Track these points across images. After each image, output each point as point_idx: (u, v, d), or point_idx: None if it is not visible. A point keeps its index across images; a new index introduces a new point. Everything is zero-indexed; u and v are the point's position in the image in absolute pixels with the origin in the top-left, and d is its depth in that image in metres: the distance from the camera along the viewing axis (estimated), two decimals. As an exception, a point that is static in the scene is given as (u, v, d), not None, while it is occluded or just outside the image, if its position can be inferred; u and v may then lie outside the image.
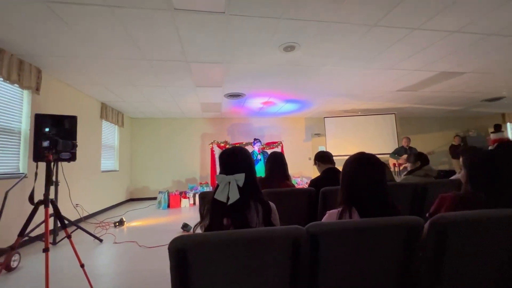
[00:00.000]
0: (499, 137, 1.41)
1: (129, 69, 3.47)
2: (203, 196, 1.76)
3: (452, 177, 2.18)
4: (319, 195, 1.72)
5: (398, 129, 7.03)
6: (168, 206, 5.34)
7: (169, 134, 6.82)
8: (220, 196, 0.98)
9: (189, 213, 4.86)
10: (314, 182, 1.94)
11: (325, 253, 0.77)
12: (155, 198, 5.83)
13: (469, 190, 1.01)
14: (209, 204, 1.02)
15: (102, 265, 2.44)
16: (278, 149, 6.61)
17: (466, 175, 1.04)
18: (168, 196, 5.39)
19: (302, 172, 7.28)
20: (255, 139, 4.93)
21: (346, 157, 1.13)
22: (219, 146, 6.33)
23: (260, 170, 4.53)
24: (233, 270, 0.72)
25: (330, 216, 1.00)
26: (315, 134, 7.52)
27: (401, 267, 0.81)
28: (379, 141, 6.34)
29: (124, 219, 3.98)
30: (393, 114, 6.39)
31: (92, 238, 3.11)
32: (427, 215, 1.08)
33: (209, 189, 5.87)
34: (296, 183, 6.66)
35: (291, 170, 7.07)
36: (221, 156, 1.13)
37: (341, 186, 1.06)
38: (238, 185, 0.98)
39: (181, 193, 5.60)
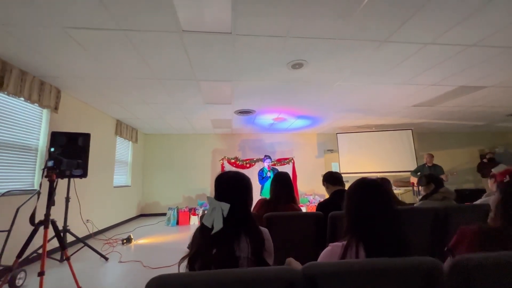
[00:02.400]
0: (503, 170, 1.24)
1: (142, 88, 3.59)
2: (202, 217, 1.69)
3: (479, 201, 1.97)
4: (328, 220, 1.60)
5: (416, 145, 6.71)
6: (177, 223, 5.29)
7: (181, 150, 6.91)
8: (207, 221, 0.92)
9: (197, 231, 4.77)
10: (322, 206, 1.81)
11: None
12: (165, 214, 5.81)
13: (498, 223, 0.87)
14: (197, 230, 0.95)
15: (106, 286, 2.38)
16: (290, 166, 6.47)
17: (499, 202, 0.91)
18: (178, 212, 5.35)
19: (314, 189, 7.04)
20: (265, 156, 4.85)
21: (361, 175, 1.03)
22: (229, 162, 6.30)
23: (269, 188, 4.41)
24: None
25: (333, 249, 0.89)
26: (328, 150, 7.33)
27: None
28: (395, 158, 6.05)
29: (132, 236, 3.95)
30: (410, 130, 6.12)
31: (97, 256, 3.08)
32: (445, 249, 0.94)
33: (218, 206, 5.79)
34: (309, 201, 6.43)
35: (303, 187, 6.92)
36: (216, 179, 1.07)
37: (345, 216, 0.96)
38: (223, 214, 0.92)
39: (190, 209, 5.54)
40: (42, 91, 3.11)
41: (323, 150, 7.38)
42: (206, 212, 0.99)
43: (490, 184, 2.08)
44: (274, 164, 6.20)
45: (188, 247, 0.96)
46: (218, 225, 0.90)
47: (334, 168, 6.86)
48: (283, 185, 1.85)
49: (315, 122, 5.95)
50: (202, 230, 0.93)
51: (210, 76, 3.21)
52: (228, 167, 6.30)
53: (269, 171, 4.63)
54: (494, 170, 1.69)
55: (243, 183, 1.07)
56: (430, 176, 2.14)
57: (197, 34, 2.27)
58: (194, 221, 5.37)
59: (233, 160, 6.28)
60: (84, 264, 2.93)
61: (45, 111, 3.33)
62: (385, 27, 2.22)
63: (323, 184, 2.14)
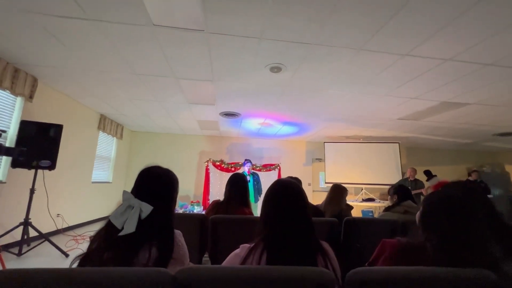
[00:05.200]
0: (436, 183, 1.20)
1: (122, 83, 3.53)
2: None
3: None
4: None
5: (404, 160, 6.69)
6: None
7: (167, 149, 6.82)
8: (118, 220, 0.82)
9: (173, 232, 4.65)
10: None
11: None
12: (144, 214, 5.68)
13: (417, 238, 0.81)
14: (102, 228, 0.86)
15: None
16: (275, 172, 6.41)
17: (420, 217, 0.85)
18: (156, 212, 5.23)
19: (300, 197, 6.95)
20: (245, 160, 4.79)
21: (346, 186, 0.98)
22: (214, 165, 6.23)
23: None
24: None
25: (240, 250, 0.84)
26: (316, 159, 7.28)
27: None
28: (381, 171, 6.01)
29: (102, 234, 3.82)
30: (397, 143, 6.10)
31: (59, 252, 2.97)
32: (366, 264, 0.88)
33: (200, 208, 5.67)
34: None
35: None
36: (140, 173, 0.97)
37: (260, 220, 0.90)
38: (141, 216, 0.82)
39: (169, 210, 5.42)
40: (16, 79, 3.04)
41: (311, 158, 7.33)
42: (117, 208, 0.87)
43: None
44: (259, 170, 6.13)
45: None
46: (129, 228, 0.79)
47: (322, 178, 6.80)
48: (237, 187, 1.78)
49: (302, 129, 5.92)
50: (108, 230, 0.83)
51: (190, 75, 3.17)
52: (213, 170, 6.22)
53: (249, 175, 4.55)
54: (429, 183, 1.63)
55: (172, 183, 0.99)
56: (398, 187, 2.08)
57: (169, 29, 2.24)
58: (172, 223, 5.25)
59: (218, 163, 6.21)
60: (42, 260, 2.82)
61: (18, 99, 3.25)
62: (359, 34, 2.19)
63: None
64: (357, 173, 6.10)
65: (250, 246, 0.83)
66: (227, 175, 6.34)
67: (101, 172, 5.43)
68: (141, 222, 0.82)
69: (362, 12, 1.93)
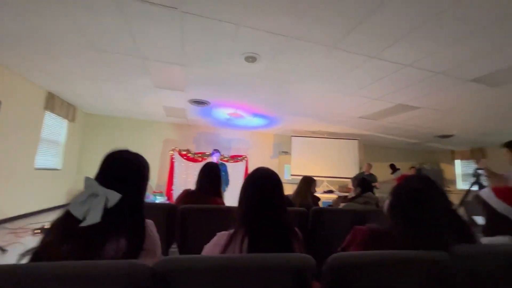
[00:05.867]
0: (399, 175, 1.40)
1: (77, 58, 3.13)
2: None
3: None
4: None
5: (362, 156, 7.24)
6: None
7: (128, 135, 6.33)
8: (78, 210, 0.72)
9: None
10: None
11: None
12: (99, 204, 5.24)
13: (387, 224, 0.89)
14: (59, 218, 0.76)
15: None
16: (243, 164, 6.42)
17: (389, 207, 0.93)
18: (113, 203, 4.86)
19: (265, 189, 7.10)
20: (214, 150, 4.70)
21: None
22: (180, 154, 5.99)
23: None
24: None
25: (219, 238, 0.83)
26: (283, 152, 7.48)
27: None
28: (341, 165, 6.44)
29: (46, 226, 3.43)
30: (357, 140, 6.58)
31: (-6, 247, 2.58)
32: (339, 249, 0.95)
33: (163, 199, 5.44)
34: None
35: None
36: (107, 157, 0.87)
37: (238, 204, 0.89)
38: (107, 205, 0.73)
39: (129, 200, 5.09)
40: None
41: (278, 151, 7.50)
42: (76, 197, 0.76)
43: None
44: (227, 160, 6.08)
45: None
46: (93, 218, 0.70)
47: (287, 170, 7.03)
48: (210, 177, 1.74)
49: (271, 122, 6.00)
50: (66, 220, 0.72)
51: (158, 56, 2.95)
52: (178, 159, 5.98)
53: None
54: (394, 176, 1.83)
55: (143, 168, 0.91)
56: (361, 180, 2.25)
57: (138, 2, 2.03)
58: (132, 214, 4.94)
59: (184, 152, 5.99)
60: (-29, 256, 2.43)
61: None
62: (333, 32, 2.27)
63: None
64: (320, 166, 6.44)
65: (229, 233, 0.81)
66: (193, 165, 6.19)
67: (48, 158, 4.82)
68: (107, 212, 0.74)
69: (338, 11, 1.99)
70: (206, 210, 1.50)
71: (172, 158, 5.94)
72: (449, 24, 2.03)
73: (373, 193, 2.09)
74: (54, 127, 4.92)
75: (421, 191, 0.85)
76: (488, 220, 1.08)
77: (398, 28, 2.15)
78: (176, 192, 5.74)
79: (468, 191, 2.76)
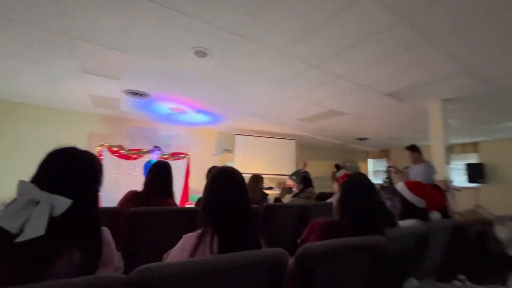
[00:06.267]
0: (344, 173, 1.72)
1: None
2: None
3: (329, 200, 2.46)
4: (205, 215, 1.51)
5: (298, 154, 7.91)
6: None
7: (40, 127, 5.20)
8: (9, 221, 0.58)
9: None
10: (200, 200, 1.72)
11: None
12: (-6, 212, 4.15)
13: (337, 217, 1.04)
14: None
15: None
16: (184, 161, 6.15)
17: (339, 201, 1.08)
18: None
19: (207, 187, 6.99)
20: (154, 147, 4.35)
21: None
22: (111, 151, 5.29)
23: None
24: None
25: (186, 240, 0.81)
26: (226, 149, 7.48)
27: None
28: (280, 163, 6.90)
29: None
30: (294, 140, 7.15)
31: None
32: (298, 241, 1.05)
33: (87, 201, 4.71)
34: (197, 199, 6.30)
35: (196, 185, 6.74)
36: (50, 156, 0.74)
37: (200, 205, 0.91)
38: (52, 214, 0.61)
39: (41, 205, 4.21)
40: None
41: (221, 149, 7.47)
42: (6, 206, 0.62)
43: (335, 187, 2.66)
44: (167, 158, 5.70)
45: None
46: (35, 230, 0.57)
47: (229, 168, 7.08)
48: (161, 176, 1.62)
49: (216, 119, 5.93)
50: None
51: (93, 37, 2.54)
52: (108, 156, 5.28)
53: (158, 164, 4.17)
54: (338, 174, 2.13)
55: (96, 168, 0.80)
56: (304, 177, 2.49)
57: (71, -29, 1.71)
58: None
59: (116, 149, 5.32)
60: None
61: None
62: (284, 39, 2.42)
63: (207, 178, 2.06)
64: (261, 164, 6.74)
65: (197, 234, 0.80)
66: (126, 163, 5.58)
67: None
68: (53, 221, 0.62)
69: (292, 20, 2.14)
70: (160, 212, 1.40)
71: (100, 155, 5.18)
72: (379, 44, 2.43)
73: (314, 188, 2.35)
74: None
75: (366, 187, 1.03)
76: (402, 207, 1.38)
77: (339, 44, 2.46)
78: (105, 194, 5.05)
79: (381, 185, 3.40)
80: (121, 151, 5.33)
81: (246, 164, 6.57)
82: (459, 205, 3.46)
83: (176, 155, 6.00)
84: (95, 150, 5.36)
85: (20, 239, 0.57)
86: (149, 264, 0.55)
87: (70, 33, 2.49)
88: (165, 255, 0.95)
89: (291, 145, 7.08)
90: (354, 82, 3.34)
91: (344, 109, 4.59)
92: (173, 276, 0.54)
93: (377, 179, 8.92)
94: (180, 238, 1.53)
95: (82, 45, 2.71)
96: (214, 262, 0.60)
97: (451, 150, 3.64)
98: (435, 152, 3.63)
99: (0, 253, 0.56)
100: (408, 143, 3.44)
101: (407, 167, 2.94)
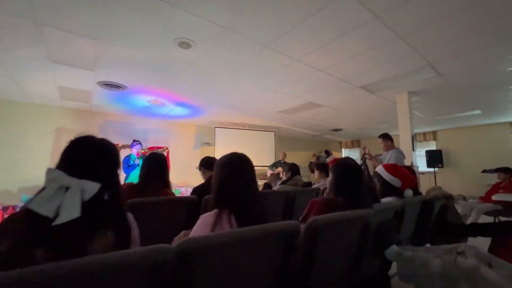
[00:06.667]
0: (332, 159, 1.88)
1: None
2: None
3: (313, 186, 2.64)
4: (201, 203, 1.56)
5: (276, 146, 8.11)
6: (-24, 229, 3.54)
7: (2, 123, 4.71)
8: (45, 207, 0.60)
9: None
10: (197, 190, 1.77)
11: (199, 273, 0.60)
12: (-51, 218, 3.74)
13: (331, 195, 1.17)
14: (16, 220, 0.62)
15: None
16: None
17: (331, 180, 1.21)
18: (-21, 213, 3.59)
19: (187, 181, 6.91)
20: (134, 141, 4.20)
21: None
22: (82, 146, 4.98)
23: (137, 176, 3.86)
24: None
25: (205, 220, 0.88)
26: (205, 143, 7.43)
27: (278, 271, 0.78)
28: (260, 155, 7.04)
29: None
30: (273, 132, 7.32)
31: None
32: (300, 219, 1.17)
33: (59, 201, 4.42)
34: (180, 193, 6.22)
35: (176, 179, 6.63)
36: (72, 145, 0.75)
37: (214, 188, 0.97)
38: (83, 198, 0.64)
39: (5, 208, 3.88)
40: None
41: (200, 142, 7.39)
42: (38, 193, 0.64)
43: (316, 175, 2.86)
44: (145, 152, 5.52)
45: None
46: (71, 213, 0.60)
47: (209, 161, 7.06)
48: (157, 167, 1.63)
49: (195, 112, 5.85)
50: (30, 220, 0.60)
51: (64, 24, 2.38)
52: (80, 152, 4.96)
53: (138, 158, 4.05)
54: (328, 160, 2.29)
55: (117, 155, 0.82)
56: (292, 165, 2.63)
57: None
58: (12, 224, 3.80)
59: (88, 144, 5.01)
60: None
61: None
62: (269, 32, 2.48)
63: (199, 169, 2.10)
64: (242, 156, 6.82)
65: (214, 213, 0.87)
66: (101, 159, 5.29)
67: None
68: (85, 205, 0.65)
69: (277, 13, 2.21)
70: (158, 202, 1.43)
71: (71, 151, 4.86)
72: (355, 40, 2.60)
73: (300, 177, 2.51)
74: None
75: (354, 167, 1.17)
76: (380, 187, 1.56)
77: (320, 38, 2.58)
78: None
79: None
80: (94, 147, 5.04)
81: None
82: (421, 187, 3.90)
83: (154, 149, 5.83)
84: (64, 146, 5.01)
85: (57, 222, 0.59)
86: (190, 237, 0.62)
87: (37, 18, 2.30)
88: (176, 238, 1.00)
89: (270, 136, 7.25)
90: (331, 76, 3.53)
91: (321, 101, 4.82)
92: (209, 246, 0.61)
93: (349, 168, 9.54)
94: (180, 225, 1.57)
95: (52, 32, 2.51)
96: (240, 234, 0.68)
97: (415, 138, 4.05)
98: (402, 140, 4.01)
99: (39, 236, 0.58)
100: (376, 134, 3.75)
101: (379, 154, 3.23)
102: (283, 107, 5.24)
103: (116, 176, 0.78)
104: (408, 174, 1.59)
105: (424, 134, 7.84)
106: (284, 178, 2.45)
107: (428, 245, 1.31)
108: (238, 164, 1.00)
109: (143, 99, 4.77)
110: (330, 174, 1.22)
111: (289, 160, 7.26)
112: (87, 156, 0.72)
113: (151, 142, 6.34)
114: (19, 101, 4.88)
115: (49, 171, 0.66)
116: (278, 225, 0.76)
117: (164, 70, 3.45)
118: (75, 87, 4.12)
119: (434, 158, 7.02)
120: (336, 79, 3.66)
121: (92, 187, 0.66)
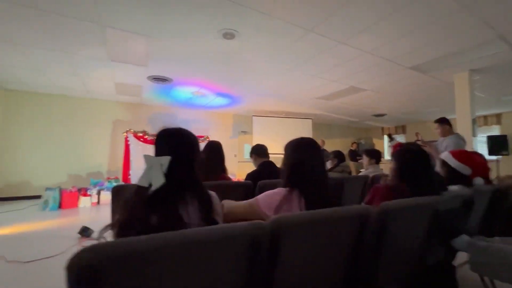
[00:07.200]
0: (396, 143, 1.78)
1: (14, 21, 2.50)
2: (118, 189, 1.39)
3: (361, 173, 2.57)
4: (256, 188, 1.65)
5: (313, 133, 7.96)
6: (60, 207, 4.22)
7: (65, 117, 5.43)
8: (144, 181, 0.78)
9: (90, 214, 3.98)
10: (250, 176, 1.87)
11: (286, 249, 0.67)
12: (38, 197, 4.52)
13: (395, 182, 1.15)
14: (131, 194, 0.79)
15: None
16: (204, 144, 6.32)
17: (395, 167, 1.19)
18: (60, 193, 4.26)
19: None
20: (181, 130, 4.51)
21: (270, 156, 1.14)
22: (135, 136, 5.50)
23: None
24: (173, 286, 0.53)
25: (279, 191, 0.97)
26: (242, 131, 7.62)
27: (351, 254, 0.82)
28: (298, 142, 6.98)
29: (-16, 226, 2.85)
30: (311, 119, 7.17)
31: None
32: (362, 204, 1.17)
33: (119, 185, 5.00)
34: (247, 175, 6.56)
35: (216, 166, 6.95)
36: (156, 136, 0.93)
37: (285, 169, 1.04)
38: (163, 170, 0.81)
39: (80, 190, 4.53)
40: None
41: (237, 131, 7.60)
42: (141, 174, 0.82)
43: (366, 162, 2.76)
44: (189, 141, 5.89)
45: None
46: (157, 181, 0.77)
47: (247, 150, 7.24)
48: (215, 154, 1.76)
49: (233, 102, 6.00)
50: (138, 192, 0.78)
51: (122, 23, 2.60)
52: (134, 142, 5.51)
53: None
54: (390, 144, 2.21)
55: (186, 140, 0.95)
56: (337, 153, 2.60)
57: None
58: (85, 203, 4.45)
59: (140, 134, 5.52)
60: None
61: None
62: (315, 15, 2.41)
63: (251, 156, 2.19)
64: (279, 144, 6.83)
65: (287, 189, 0.96)
66: (151, 148, 5.78)
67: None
68: (169, 176, 0.80)
69: (324, -5, 2.12)
70: (220, 186, 1.55)
71: (126, 141, 5.42)
72: (411, 15, 2.38)
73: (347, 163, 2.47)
74: (-37, 105, 3.87)
75: (421, 153, 1.12)
76: (447, 174, 1.47)
77: (369, 17, 2.42)
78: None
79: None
80: (145, 136, 5.54)
81: (264, 144, 6.69)
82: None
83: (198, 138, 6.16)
84: (120, 137, 5.60)
85: (152, 189, 0.77)
86: (282, 215, 0.69)
87: (101, 21, 2.55)
88: (224, 202, 1.09)
89: (307, 124, 7.12)
90: (379, 57, 3.30)
91: (364, 85, 4.55)
92: (295, 224, 0.68)
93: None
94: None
95: (112, 32, 2.77)
96: (320, 215, 0.73)
97: (475, 122, 3.62)
98: (460, 124, 3.62)
99: (147, 204, 0.75)
100: (425, 118, 3.45)
101: (433, 140, 2.98)
102: (322, 93, 5.08)
103: (191, 157, 0.89)
104: (481, 161, 1.46)
105: (485, 117, 6.94)
106: (330, 166, 2.43)
107: (498, 238, 1.22)
108: (311, 148, 1.04)
109: (187, 91, 5.03)
110: (394, 160, 1.19)
111: (326, 148, 7.09)
112: (164, 144, 0.88)
113: (192, 131, 6.69)
114: (83, 97, 5.53)
115: (145, 156, 0.81)
116: (354, 208, 0.79)
117: (207, 62, 3.58)
118: (129, 83, 4.51)
119: (497, 144, 6.21)
120: (384, 60, 3.41)
121: (165, 160, 0.81)
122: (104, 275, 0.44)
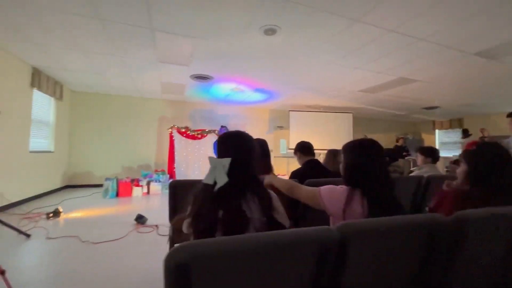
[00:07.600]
0: (472, 140, 1.57)
1: (73, 27, 2.83)
2: (174, 185, 1.51)
3: (413, 173, 2.37)
4: (303, 187, 1.64)
5: (353, 128, 7.57)
6: (117, 195, 4.74)
7: (119, 114, 6.02)
8: (209, 179, 0.87)
9: (141, 203, 4.39)
10: (296, 174, 1.86)
11: (354, 256, 0.66)
12: (100, 186, 5.12)
13: (466, 187, 1.03)
14: (198, 191, 0.89)
15: (31, 268, 1.97)
16: (242, 139, 6.46)
17: (466, 170, 1.07)
18: (117, 183, 4.77)
19: (263, 163, 7.29)
20: (221, 126, 4.68)
21: None
22: (179, 132, 5.87)
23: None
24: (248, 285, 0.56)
25: (341, 191, 0.97)
26: (278, 126, 7.59)
27: (419, 266, 0.77)
28: (335, 138, 6.72)
29: (61, 209, 3.35)
30: (351, 114, 6.82)
31: (15, 233, 2.51)
32: (427, 208, 1.09)
33: (165, 177, 5.42)
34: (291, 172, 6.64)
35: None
36: (217, 140, 1.03)
37: (346, 168, 1.04)
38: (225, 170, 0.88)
39: (132, 180, 5.02)
40: None
41: (273, 126, 7.59)
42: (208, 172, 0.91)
43: (420, 160, 2.53)
44: (227, 137, 6.07)
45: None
46: (221, 180, 0.85)
47: (282, 145, 7.20)
48: (261, 153, 1.78)
49: (271, 97, 5.99)
50: (205, 189, 0.88)
51: (171, 27, 2.76)
52: (178, 137, 5.88)
53: (225, 142, 4.50)
54: (464, 141, 1.99)
55: (245, 142, 0.99)
56: (389, 152, 2.43)
57: (164, -33, 1.85)
58: (137, 193, 4.92)
59: (183, 130, 5.87)
60: (-3, 244, 2.36)
61: None
62: (362, 4, 2.25)
63: (295, 154, 2.18)
64: (317, 139, 6.64)
65: (349, 189, 0.97)
66: (193, 143, 6.13)
67: (40, 140, 4.52)
68: (231, 176, 0.86)
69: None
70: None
71: (171, 136, 5.81)
72: (474, -1, 2.10)
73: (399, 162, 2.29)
74: (42, 106, 4.55)
75: (505, 156, 0.99)
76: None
77: (424, 1, 2.19)
78: (178, 170, 5.73)
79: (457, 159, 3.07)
80: (188, 132, 5.87)
81: (300, 139, 6.55)
82: None
83: (234, 134, 6.33)
84: (166, 132, 6.02)
85: (216, 187, 0.85)
86: (350, 221, 0.68)
87: (153, 25, 2.74)
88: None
89: (347, 118, 6.79)
90: (436, 44, 2.97)
91: (415, 76, 4.15)
92: (364, 230, 0.67)
93: (447, 152, 8.03)
94: (285, 205, 1.71)
95: (161, 35, 2.96)
96: (388, 222, 0.70)
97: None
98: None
99: (213, 199, 0.84)
100: (484, 111, 3.01)
101: (505, 136, 2.59)
102: (366, 85, 4.78)
103: (248, 158, 0.94)
104: None
105: None
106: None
107: None
108: (369, 149, 1.02)
109: (225, 87, 5.17)
110: (466, 162, 1.06)
111: (368, 143, 6.67)
112: (224, 146, 0.97)
113: (230, 126, 6.89)
114: (134, 96, 6.06)
115: (209, 158, 0.88)
116: (419, 218, 0.74)
117: (248, 59, 3.62)
118: (173, 82, 4.80)
119: None
120: (441, 47, 3.06)
121: (226, 162, 0.88)
122: (194, 271, 0.48)
